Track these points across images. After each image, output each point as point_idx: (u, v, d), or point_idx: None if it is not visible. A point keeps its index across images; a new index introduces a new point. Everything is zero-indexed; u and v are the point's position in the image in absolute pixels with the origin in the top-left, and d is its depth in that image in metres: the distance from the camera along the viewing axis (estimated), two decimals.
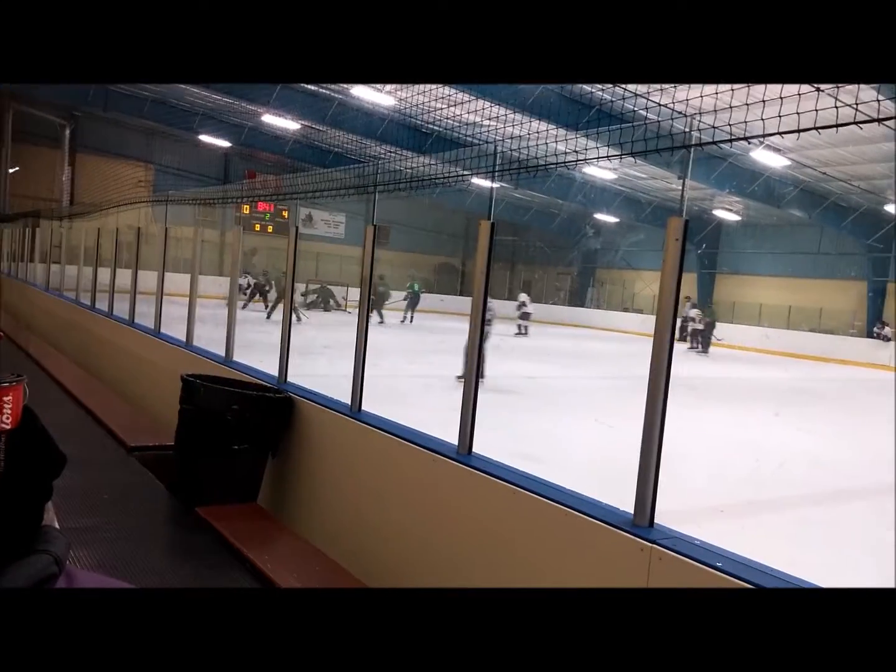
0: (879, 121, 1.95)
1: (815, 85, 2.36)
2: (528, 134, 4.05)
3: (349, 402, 4.27)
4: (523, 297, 21.13)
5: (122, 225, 10.36)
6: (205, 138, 24.42)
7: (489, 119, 15.53)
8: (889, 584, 3.39)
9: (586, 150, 3.44)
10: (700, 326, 19.39)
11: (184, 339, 6.87)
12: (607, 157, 3.25)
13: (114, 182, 14.98)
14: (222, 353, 5.99)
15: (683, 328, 19.30)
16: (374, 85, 16.80)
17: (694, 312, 20.12)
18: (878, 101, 1.99)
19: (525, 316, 20.28)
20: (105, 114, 22.65)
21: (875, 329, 21.54)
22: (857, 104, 2.09)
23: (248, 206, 25.77)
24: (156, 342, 7.41)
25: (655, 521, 2.53)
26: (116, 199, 12.07)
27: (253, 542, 3.84)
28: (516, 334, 19.25)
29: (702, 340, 19.28)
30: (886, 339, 20.72)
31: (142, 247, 8.67)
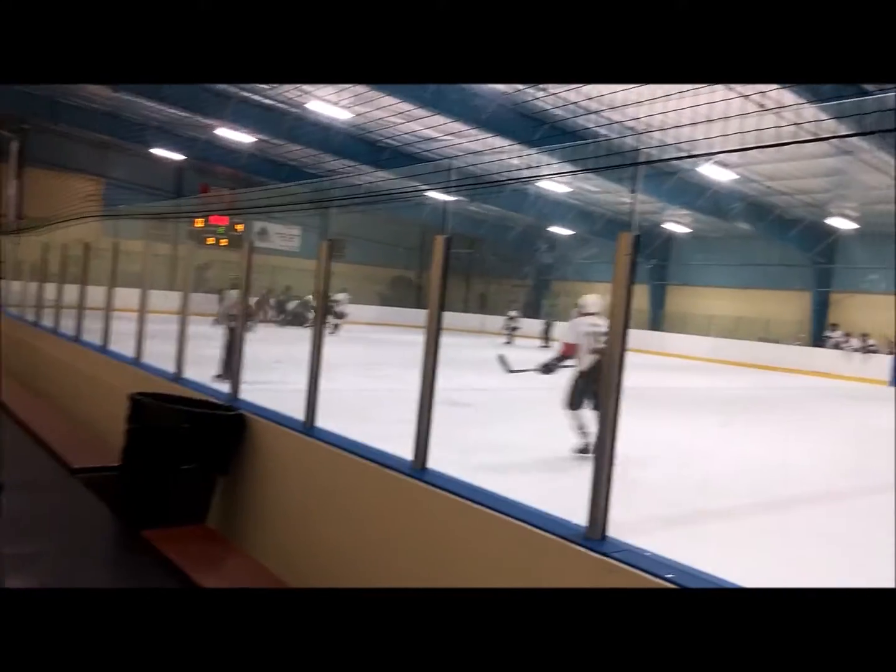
0: (818, 140, 2.00)
1: (761, 104, 2.42)
2: (484, 150, 4.08)
3: (302, 419, 4.22)
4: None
5: (71, 239, 10.12)
6: (158, 151, 24.05)
7: (446, 134, 15.64)
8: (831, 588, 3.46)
9: (539, 165, 3.47)
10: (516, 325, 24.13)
11: (133, 355, 6.71)
12: (560, 173, 3.29)
13: (63, 196, 14.64)
14: (173, 369, 5.87)
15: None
16: (331, 98, 16.78)
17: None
18: (818, 120, 2.04)
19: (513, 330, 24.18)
20: (55, 127, 22.16)
21: (827, 332, 22.17)
22: (798, 122, 2.14)
23: (201, 220, 25.41)
24: (103, 359, 7.23)
25: (608, 533, 2.54)
26: (65, 213, 11.80)
27: (201, 564, 3.75)
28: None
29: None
30: (842, 342, 21.23)
31: (90, 262, 8.48)
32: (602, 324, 6.64)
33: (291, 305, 23.26)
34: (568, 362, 7.02)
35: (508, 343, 23.18)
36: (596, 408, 6.19)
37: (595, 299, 7.24)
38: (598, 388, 5.97)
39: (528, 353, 18.50)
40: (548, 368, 7.18)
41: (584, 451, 6.41)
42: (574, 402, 6.72)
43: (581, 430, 6.63)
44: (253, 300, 17.53)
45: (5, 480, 2.21)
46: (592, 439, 6.14)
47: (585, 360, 6.73)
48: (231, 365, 5.43)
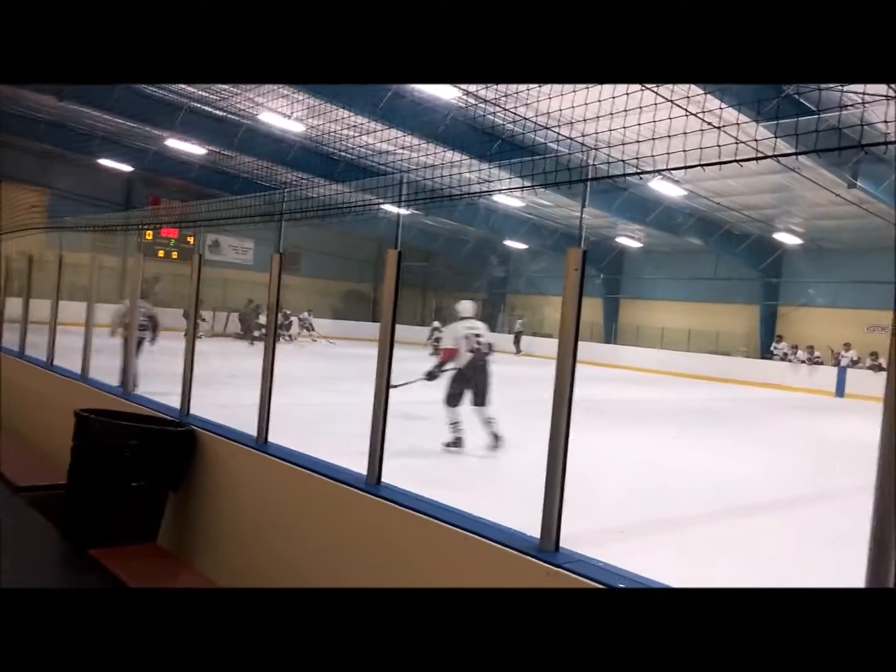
0: (758, 159, 2.08)
1: (706, 121, 2.49)
2: (438, 164, 4.10)
3: (255, 434, 4.17)
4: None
5: (14, 252, 9.85)
6: (105, 162, 23.57)
7: (400, 148, 15.68)
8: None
9: (490, 181, 3.51)
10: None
11: (79, 370, 6.55)
12: (511, 189, 3.33)
13: (5, 207, 14.23)
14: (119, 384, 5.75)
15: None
16: (284, 110, 16.69)
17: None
18: (756, 140, 2.12)
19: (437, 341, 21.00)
20: None
21: (773, 345, 22.73)
22: (738, 140, 2.22)
23: (150, 233, 24.97)
24: (48, 375, 7.04)
25: (561, 544, 2.57)
26: (7, 224, 11.47)
27: (151, 583, 3.66)
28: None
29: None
30: (784, 354, 21.84)
31: (34, 274, 8.27)
32: (479, 326, 7.52)
33: (263, 319, 23.28)
34: (449, 365, 7.40)
35: (434, 354, 20.69)
36: (475, 404, 7.19)
37: (469, 305, 7.88)
38: (476, 386, 7.15)
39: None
40: (431, 376, 7.58)
41: (454, 444, 7.17)
42: (452, 400, 7.20)
43: (454, 425, 7.21)
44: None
45: None
46: (463, 435, 7.14)
47: (464, 360, 7.25)
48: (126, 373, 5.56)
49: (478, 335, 7.35)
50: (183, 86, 17.21)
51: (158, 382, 5.41)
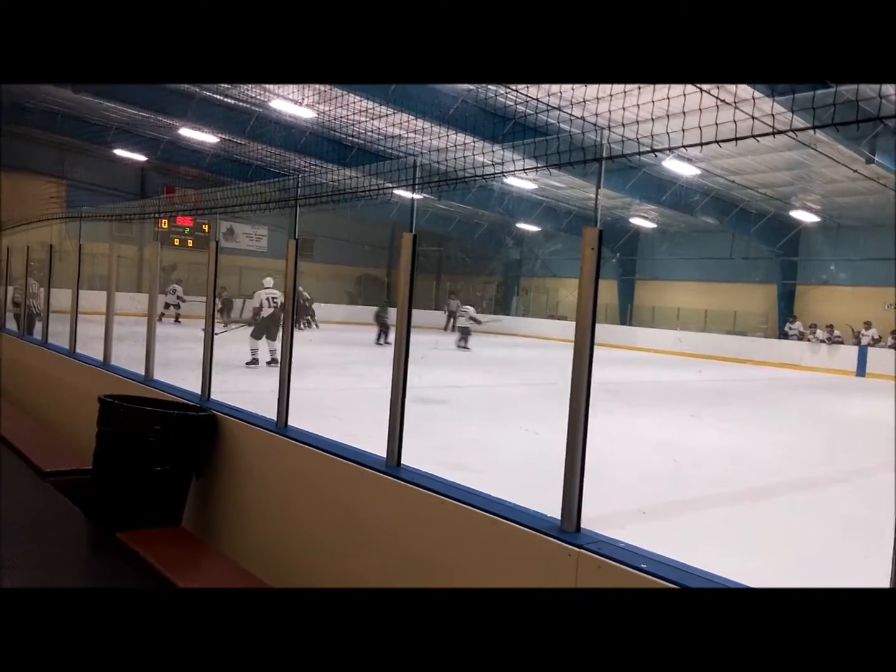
0: (775, 133, 2.07)
1: (719, 98, 2.48)
2: (449, 147, 4.10)
3: (275, 418, 4.21)
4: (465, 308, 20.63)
5: (34, 242, 9.95)
6: (120, 153, 23.69)
7: (411, 132, 15.63)
8: (800, 580, 3.56)
9: (503, 162, 3.51)
10: (466, 324, 19.45)
11: (101, 358, 6.64)
12: (524, 169, 3.33)
13: (24, 198, 14.36)
14: (142, 371, 5.82)
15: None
16: (295, 97, 16.67)
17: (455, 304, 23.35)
18: (773, 115, 2.10)
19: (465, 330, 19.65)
20: (14, 129, 21.73)
21: (787, 325, 22.52)
22: (753, 116, 2.20)
23: (166, 221, 25.10)
24: (71, 362, 7.13)
25: (582, 525, 2.59)
26: (27, 215, 11.59)
27: (178, 566, 3.73)
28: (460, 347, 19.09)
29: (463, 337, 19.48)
30: (800, 333, 21.67)
31: (55, 264, 8.36)
32: (277, 293, 11.67)
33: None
34: (260, 316, 11.67)
35: (455, 331, 20.80)
36: (269, 338, 11.31)
37: (270, 280, 12.17)
38: (268, 329, 11.36)
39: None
40: (251, 324, 11.94)
41: (251, 363, 11.19)
42: (256, 335, 11.50)
43: (254, 350, 11.37)
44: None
45: None
46: (259, 356, 11.26)
47: (266, 313, 11.54)
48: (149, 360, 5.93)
49: (275, 298, 11.56)
50: None
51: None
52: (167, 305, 21.38)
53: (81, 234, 8.01)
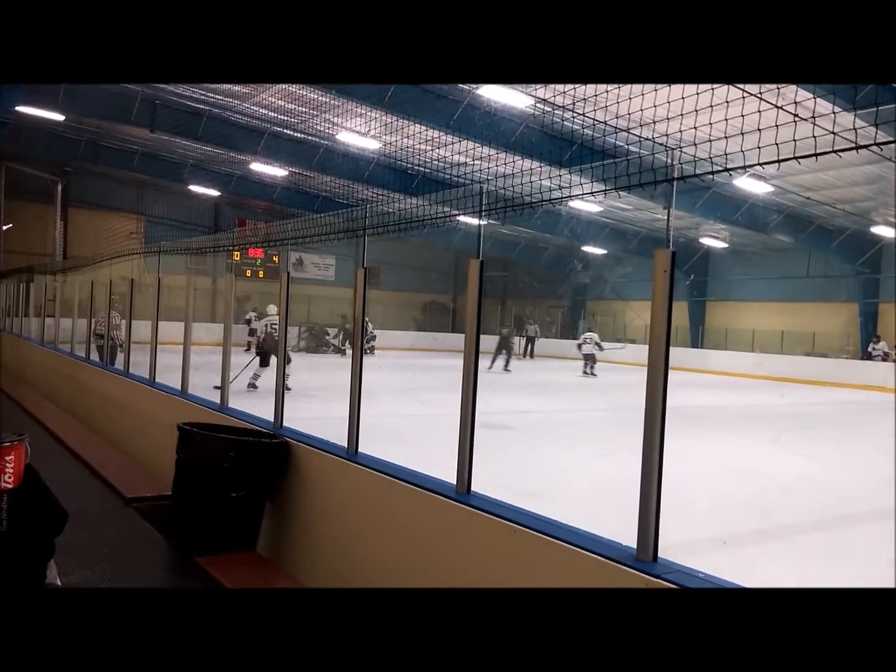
0: (857, 148, 1.99)
1: (794, 114, 2.41)
2: (515, 172, 4.10)
3: (345, 445, 4.25)
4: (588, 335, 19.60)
5: (116, 276, 10.39)
6: (194, 188, 24.66)
7: (475, 160, 15.75)
8: None
9: (570, 186, 3.48)
10: (592, 350, 18.65)
11: (179, 387, 6.84)
12: (592, 192, 3.30)
13: (105, 235, 15.05)
14: (217, 399, 5.97)
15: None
16: (360, 129, 17.03)
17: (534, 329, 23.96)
18: (855, 129, 2.03)
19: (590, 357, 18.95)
20: (95, 168, 22.87)
21: (870, 346, 21.55)
22: (834, 131, 2.13)
23: (238, 253, 25.91)
24: (152, 392, 7.38)
25: (659, 554, 2.51)
26: (108, 251, 12.13)
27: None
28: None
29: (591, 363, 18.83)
30: (884, 354, 20.66)
31: (135, 297, 8.69)
32: (276, 319, 10.65)
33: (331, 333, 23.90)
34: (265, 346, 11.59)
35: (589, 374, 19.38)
36: (264, 365, 11.33)
37: (273, 307, 11.78)
38: (275, 355, 9.77)
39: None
40: (258, 355, 11.76)
41: (252, 386, 10.94)
42: (263, 361, 11.45)
43: (256, 377, 11.19)
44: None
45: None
46: (259, 382, 10.92)
47: (269, 341, 11.39)
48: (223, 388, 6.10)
49: (274, 325, 11.07)
50: (265, 110, 17.81)
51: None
52: (251, 332, 21.54)
53: (160, 267, 8.32)
